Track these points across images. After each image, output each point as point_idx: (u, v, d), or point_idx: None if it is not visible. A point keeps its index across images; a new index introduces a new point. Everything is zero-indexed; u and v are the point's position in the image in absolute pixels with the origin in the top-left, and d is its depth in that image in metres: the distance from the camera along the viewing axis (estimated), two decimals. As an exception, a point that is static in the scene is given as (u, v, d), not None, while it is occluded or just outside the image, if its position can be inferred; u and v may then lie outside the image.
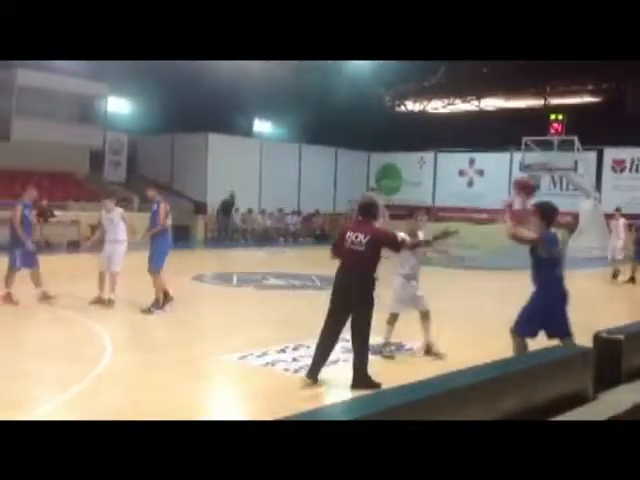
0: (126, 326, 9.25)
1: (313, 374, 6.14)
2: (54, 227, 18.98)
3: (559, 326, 5.69)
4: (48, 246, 18.85)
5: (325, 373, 6.75)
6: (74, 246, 18.33)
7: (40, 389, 6.15)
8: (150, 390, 5.98)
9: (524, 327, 5.82)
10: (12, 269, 9.84)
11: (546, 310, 5.76)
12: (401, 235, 6.32)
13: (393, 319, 7.41)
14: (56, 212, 19.88)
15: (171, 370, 6.65)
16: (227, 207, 24.59)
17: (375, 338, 8.28)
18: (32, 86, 23.03)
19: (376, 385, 5.94)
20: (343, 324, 6.14)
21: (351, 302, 6.00)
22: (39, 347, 7.56)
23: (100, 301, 9.82)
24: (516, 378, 3.49)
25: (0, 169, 22.14)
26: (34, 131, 22.76)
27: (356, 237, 5.95)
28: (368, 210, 6.22)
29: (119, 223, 10.03)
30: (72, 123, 24.45)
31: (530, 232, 5.86)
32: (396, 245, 6.22)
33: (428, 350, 7.48)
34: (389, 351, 7.38)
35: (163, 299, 9.62)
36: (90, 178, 25.24)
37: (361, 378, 6.10)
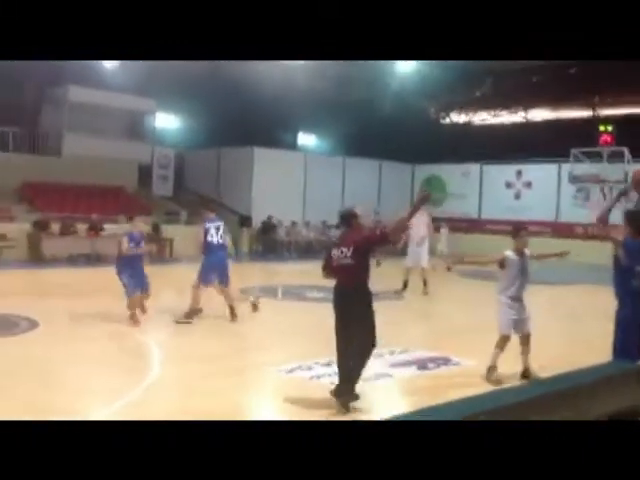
0: (174, 337, 9.35)
1: (347, 395, 5.91)
2: (105, 240, 19.36)
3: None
4: (99, 259, 19.24)
5: (372, 388, 6.73)
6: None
7: (91, 400, 6.25)
8: (198, 401, 6.02)
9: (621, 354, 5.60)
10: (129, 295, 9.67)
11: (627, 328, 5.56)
12: (383, 228, 6.18)
13: (503, 342, 7.02)
14: (106, 226, 20.31)
15: (218, 381, 6.69)
16: (267, 228, 24.90)
17: (421, 352, 8.24)
18: (83, 102, 23.63)
19: (356, 397, 5.91)
20: (353, 340, 5.95)
21: (353, 317, 5.89)
22: (90, 358, 7.69)
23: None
24: (572, 393, 3.42)
25: (52, 183, 22.75)
26: (84, 146, 23.33)
27: (341, 252, 5.85)
28: (348, 220, 6.08)
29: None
30: (121, 138, 25.03)
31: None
32: (382, 240, 6.03)
33: (525, 374, 7.13)
34: (495, 377, 6.93)
35: (192, 312, 9.98)
36: (139, 192, 25.74)
37: (347, 391, 5.89)
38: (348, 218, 6.07)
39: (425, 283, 13.98)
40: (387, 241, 6.00)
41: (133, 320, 9.57)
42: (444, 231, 20.91)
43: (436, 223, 25.49)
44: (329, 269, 6.02)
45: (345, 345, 5.95)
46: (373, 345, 5.97)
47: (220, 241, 10.12)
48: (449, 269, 18.17)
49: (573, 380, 3.68)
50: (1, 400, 5.89)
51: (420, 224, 13.76)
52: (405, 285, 14.02)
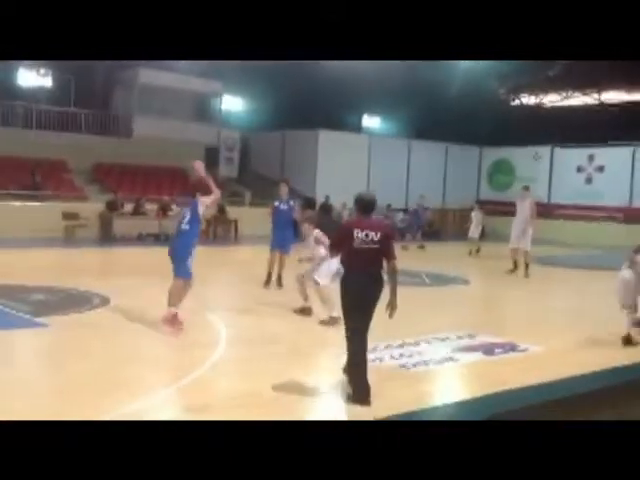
0: (241, 316, 9.47)
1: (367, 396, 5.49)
2: (172, 221, 19.77)
3: None
4: (167, 239, 19.64)
5: (437, 372, 6.67)
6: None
7: (158, 375, 6.40)
8: (260, 382, 6.07)
9: None
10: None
11: None
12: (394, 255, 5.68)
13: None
14: (173, 206, 20.72)
15: (281, 363, 6.74)
16: (326, 209, 24.86)
17: (488, 337, 8.11)
18: (152, 84, 24.11)
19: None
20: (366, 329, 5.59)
21: (371, 304, 5.52)
22: (158, 334, 7.86)
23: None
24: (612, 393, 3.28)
25: (123, 164, 23.33)
26: (154, 128, 23.81)
27: (366, 235, 5.49)
28: (372, 207, 5.80)
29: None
30: (189, 120, 25.39)
31: None
32: (394, 255, 5.63)
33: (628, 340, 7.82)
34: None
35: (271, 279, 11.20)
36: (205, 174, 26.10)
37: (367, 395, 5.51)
38: (373, 204, 5.82)
39: (527, 266, 14.53)
40: (392, 263, 5.59)
41: (179, 323, 7.83)
42: (476, 214, 20.18)
43: (491, 207, 25.00)
44: (348, 249, 5.61)
45: (363, 335, 5.57)
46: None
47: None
48: (470, 253, 19.28)
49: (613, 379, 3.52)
50: (73, 372, 6.10)
51: (524, 208, 14.73)
52: (515, 266, 14.75)
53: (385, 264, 5.62)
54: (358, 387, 5.50)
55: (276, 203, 11.49)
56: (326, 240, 8.86)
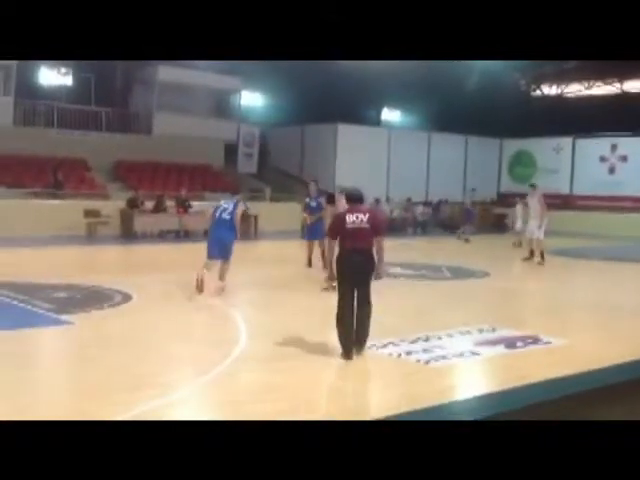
0: (262, 311, 9.49)
1: (349, 354, 6.52)
2: (192, 217, 19.93)
3: None
4: (187, 235, 19.78)
5: (459, 366, 6.64)
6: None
7: (181, 372, 6.43)
8: (283, 376, 6.08)
9: None
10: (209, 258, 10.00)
11: None
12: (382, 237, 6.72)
13: None
14: (193, 202, 20.82)
15: (303, 356, 6.74)
16: None
17: (510, 331, 8.03)
18: (172, 82, 24.19)
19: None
20: (360, 301, 6.62)
21: (364, 278, 6.54)
22: (181, 331, 7.90)
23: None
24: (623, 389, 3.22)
25: (143, 162, 23.47)
26: (173, 125, 23.91)
27: (357, 217, 6.56)
28: (360, 198, 6.92)
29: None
30: (208, 117, 25.49)
31: None
32: (382, 232, 6.71)
33: None
34: None
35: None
36: (225, 170, 26.19)
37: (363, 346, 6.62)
38: (360, 196, 6.93)
39: (542, 255, 15.15)
40: (379, 238, 6.62)
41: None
42: (519, 207, 20.21)
43: (511, 199, 24.84)
44: (343, 231, 6.57)
45: (352, 306, 6.56)
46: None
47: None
48: (521, 244, 19.02)
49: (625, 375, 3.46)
50: (97, 369, 6.15)
51: (534, 201, 15.53)
52: (532, 254, 15.42)
53: (375, 242, 6.63)
54: (342, 343, 6.57)
55: (307, 200, 12.98)
56: None
